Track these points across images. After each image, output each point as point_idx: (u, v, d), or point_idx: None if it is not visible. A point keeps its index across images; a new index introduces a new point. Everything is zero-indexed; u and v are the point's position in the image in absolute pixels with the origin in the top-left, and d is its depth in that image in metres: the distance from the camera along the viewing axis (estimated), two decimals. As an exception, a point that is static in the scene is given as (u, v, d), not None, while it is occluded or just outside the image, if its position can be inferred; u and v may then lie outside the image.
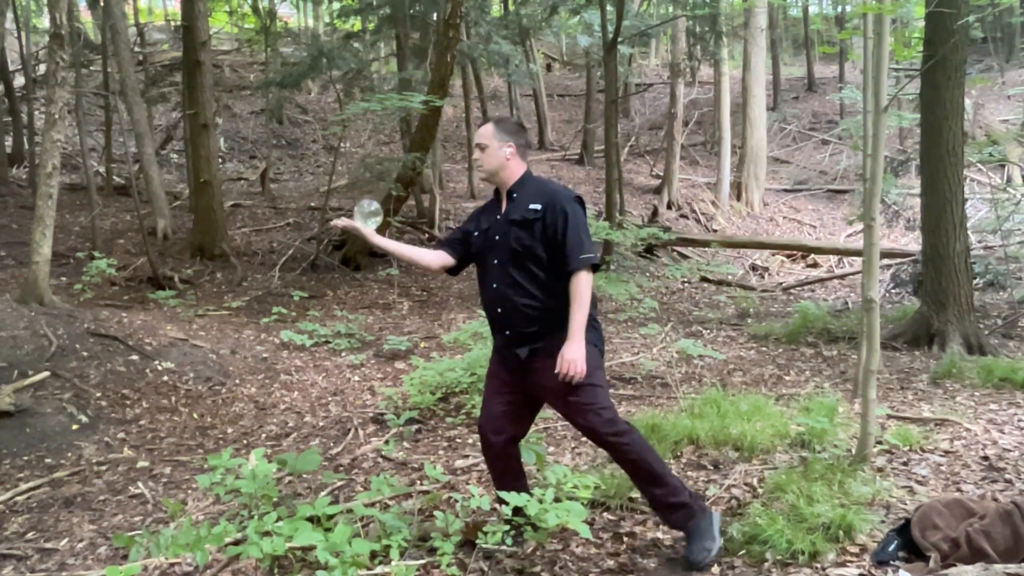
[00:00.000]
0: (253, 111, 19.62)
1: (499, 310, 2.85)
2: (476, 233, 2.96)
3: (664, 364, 6.22)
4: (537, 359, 2.81)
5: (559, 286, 2.78)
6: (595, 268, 2.78)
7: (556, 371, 2.71)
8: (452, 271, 3.07)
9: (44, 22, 20.80)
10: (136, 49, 16.58)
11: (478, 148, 2.91)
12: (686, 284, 11.14)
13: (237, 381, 6.25)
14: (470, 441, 4.54)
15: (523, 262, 2.80)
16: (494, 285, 2.86)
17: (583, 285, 2.73)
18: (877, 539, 2.85)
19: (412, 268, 11.21)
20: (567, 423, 4.59)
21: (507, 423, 2.95)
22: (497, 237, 2.86)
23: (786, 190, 17.31)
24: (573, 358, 2.69)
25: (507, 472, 3.00)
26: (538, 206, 2.79)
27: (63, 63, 6.75)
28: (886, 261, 10.10)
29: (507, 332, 2.87)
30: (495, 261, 2.86)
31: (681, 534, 3.00)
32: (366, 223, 2.97)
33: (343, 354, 7.15)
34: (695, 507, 2.85)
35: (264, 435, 5.16)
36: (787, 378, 5.77)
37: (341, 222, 2.95)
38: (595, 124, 16.43)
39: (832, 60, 24.76)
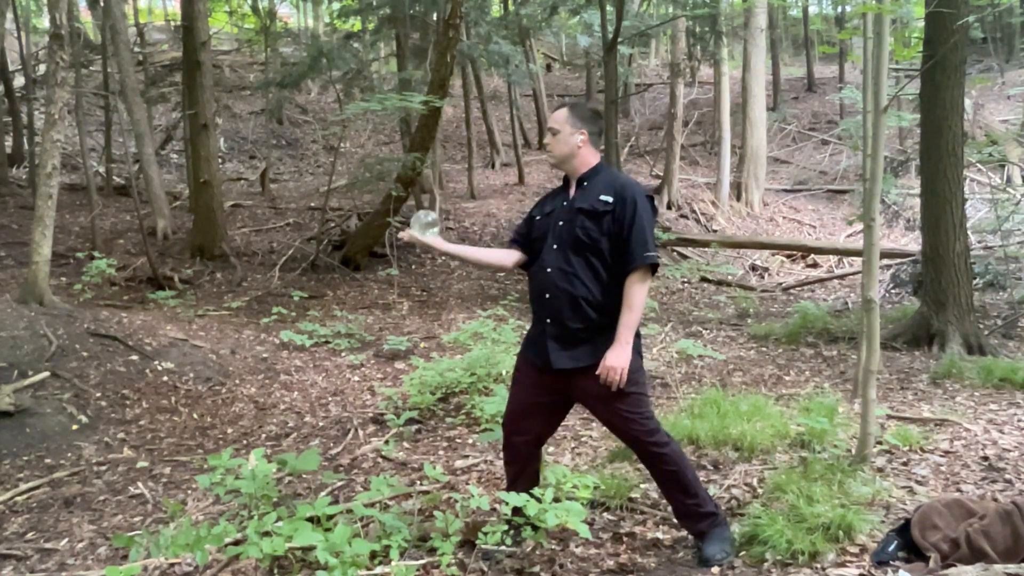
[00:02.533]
0: (253, 111, 19.62)
1: (547, 296, 2.75)
2: (539, 217, 2.89)
3: (664, 364, 6.22)
4: (576, 368, 2.73)
5: (614, 286, 2.70)
6: (654, 270, 2.72)
7: (598, 374, 2.66)
8: (526, 266, 2.93)
9: (44, 22, 20.81)
10: (136, 49, 16.58)
11: (549, 132, 2.83)
12: (686, 284, 11.14)
13: (237, 381, 6.25)
14: (470, 441, 4.54)
15: (584, 252, 2.71)
16: (547, 269, 2.76)
17: (639, 286, 2.66)
18: (877, 539, 2.85)
19: (414, 270, 11.22)
20: (569, 425, 4.60)
21: (533, 424, 2.91)
22: (560, 222, 2.78)
23: (786, 190, 17.31)
24: (617, 365, 2.63)
25: (523, 475, 2.94)
26: (609, 198, 2.71)
27: (63, 63, 6.75)
28: (886, 261, 10.10)
29: (548, 321, 2.75)
30: (554, 245, 2.77)
31: (683, 534, 3.00)
32: (425, 234, 2.86)
33: (343, 354, 7.15)
34: (720, 515, 2.90)
35: (264, 435, 5.16)
36: (787, 378, 5.77)
37: (406, 235, 2.84)
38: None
39: (832, 60, 24.76)
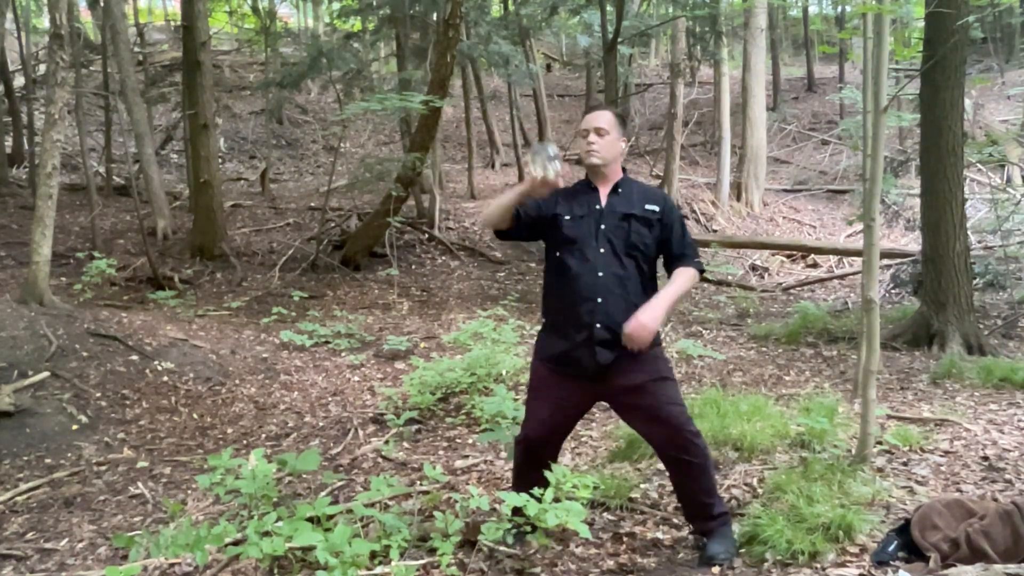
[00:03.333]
0: (253, 111, 19.62)
1: (599, 300, 2.72)
2: (567, 217, 2.81)
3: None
4: (618, 359, 2.74)
5: (650, 286, 2.82)
6: (702, 274, 2.88)
7: (627, 332, 2.66)
8: (503, 233, 2.86)
9: (44, 22, 20.81)
10: (136, 49, 16.57)
11: (596, 132, 2.79)
12: (686, 284, 11.12)
13: (237, 381, 6.25)
14: (470, 441, 4.54)
15: (635, 256, 2.78)
16: (599, 273, 2.73)
17: (686, 277, 2.81)
18: (877, 539, 2.85)
19: (414, 271, 11.22)
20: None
21: (563, 435, 2.97)
22: (605, 226, 2.77)
23: (786, 190, 17.31)
24: (647, 322, 2.65)
25: (534, 481, 2.87)
26: (655, 207, 2.81)
27: (63, 63, 6.75)
28: (886, 261, 10.10)
29: (598, 325, 2.72)
30: (601, 249, 2.75)
31: (683, 534, 3.00)
32: (548, 171, 2.61)
33: (343, 354, 7.15)
34: (729, 515, 2.94)
35: (264, 435, 5.16)
36: (787, 378, 5.77)
37: (537, 173, 2.61)
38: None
39: (832, 60, 24.75)
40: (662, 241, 2.83)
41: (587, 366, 2.74)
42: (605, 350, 2.72)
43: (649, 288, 2.82)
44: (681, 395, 2.88)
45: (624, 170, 2.91)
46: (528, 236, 2.91)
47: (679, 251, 2.84)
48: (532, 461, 2.94)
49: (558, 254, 2.82)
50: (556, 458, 3.02)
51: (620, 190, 2.84)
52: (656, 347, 2.81)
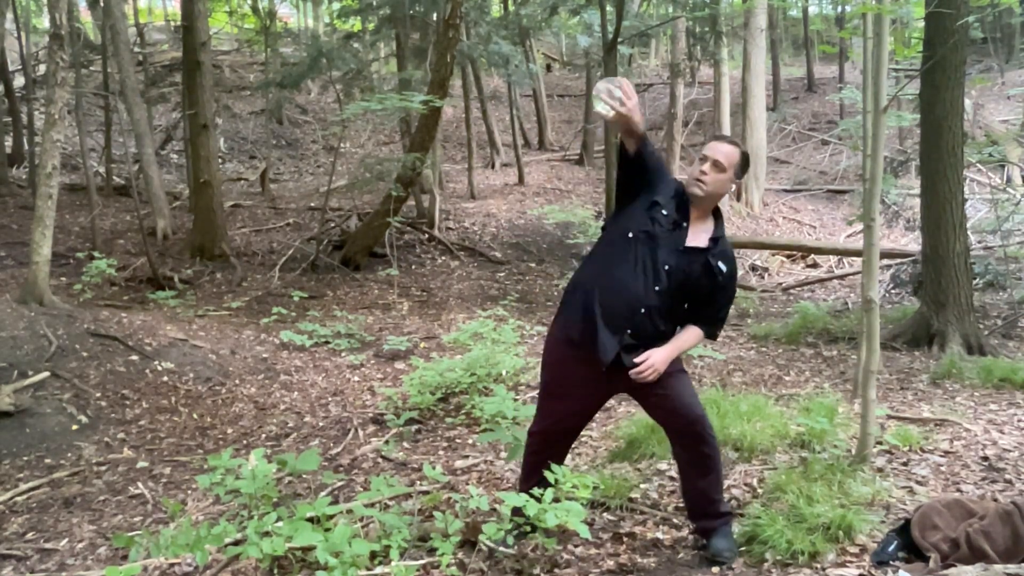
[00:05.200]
0: (253, 111, 19.61)
1: (643, 311, 2.64)
2: (665, 212, 2.67)
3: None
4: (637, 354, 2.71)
5: (680, 322, 2.78)
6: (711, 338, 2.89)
7: (637, 360, 2.64)
8: (625, 155, 2.69)
9: (44, 22, 20.81)
10: (136, 49, 16.57)
11: (713, 165, 2.67)
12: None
13: (237, 381, 6.25)
14: (470, 441, 4.54)
15: (682, 294, 2.69)
16: (656, 288, 2.64)
17: (700, 336, 2.82)
18: (877, 539, 2.85)
19: (414, 271, 11.22)
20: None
21: (576, 424, 2.95)
22: (674, 243, 2.67)
23: (786, 190, 17.30)
24: (659, 360, 2.66)
25: (541, 475, 2.88)
26: (725, 268, 2.72)
27: (63, 63, 6.75)
28: (886, 261, 10.10)
29: (629, 331, 2.66)
30: (666, 267, 2.65)
31: (683, 534, 3.00)
32: (606, 107, 2.47)
33: (343, 354, 7.15)
34: (731, 516, 2.96)
35: (264, 435, 5.16)
36: (787, 378, 5.76)
37: (600, 111, 2.46)
38: (595, 124, 16.43)
39: (832, 60, 24.75)
40: (707, 294, 2.73)
41: (607, 357, 2.66)
42: (627, 355, 2.69)
43: (677, 319, 2.77)
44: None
45: (717, 209, 2.79)
46: (639, 173, 2.72)
47: (716, 317, 2.81)
48: (546, 454, 2.91)
49: (631, 236, 2.67)
50: (567, 452, 3.02)
51: (716, 240, 2.72)
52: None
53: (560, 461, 2.95)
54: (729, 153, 2.69)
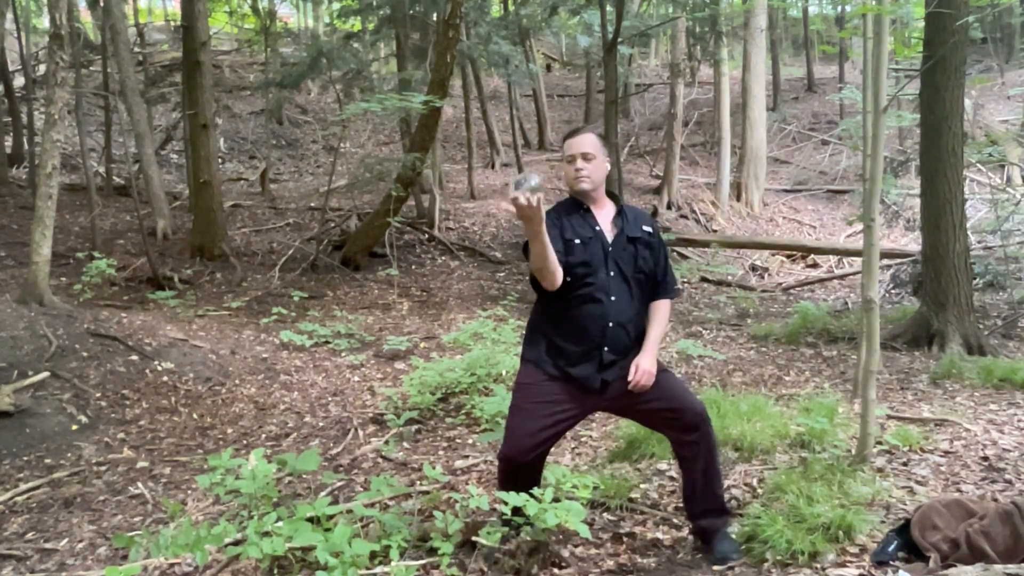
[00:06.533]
0: (253, 111, 19.62)
1: (611, 324, 2.72)
2: (577, 241, 2.74)
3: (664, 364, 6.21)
4: (621, 370, 2.75)
5: (645, 306, 2.86)
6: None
7: (628, 379, 2.70)
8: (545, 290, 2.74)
9: (44, 22, 20.81)
10: (136, 49, 16.59)
11: (583, 158, 2.75)
12: (686, 284, 11.14)
13: (237, 381, 6.25)
14: (470, 441, 4.54)
15: (639, 280, 2.81)
16: (612, 297, 2.73)
17: (668, 308, 2.89)
18: (877, 539, 2.85)
19: (414, 271, 11.22)
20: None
21: (543, 447, 2.81)
22: (613, 248, 2.76)
23: (786, 190, 17.31)
24: (648, 369, 2.71)
25: (526, 484, 2.84)
26: (650, 230, 2.84)
27: (63, 63, 6.75)
28: (886, 261, 10.10)
29: (606, 349, 2.72)
30: (611, 273, 2.74)
31: (683, 534, 3.00)
32: (531, 200, 2.42)
33: (343, 354, 7.15)
34: (729, 516, 2.96)
35: (264, 435, 5.16)
36: (787, 378, 5.77)
37: (520, 198, 2.37)
38: (595, 124, 16.44)
39: (832, 60, 24.76)
40: (653, 264, 2.86)
41: (594, 385, 2.75)
42: (611, 369, 2.75)
43: (644, 306, 2.85)
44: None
45: (613, 195, 2.90)
46: (568, 274, 2.77)
47: (662, 276, 2.87)
48: (510, 471, 2.78)
49: (569, 279, 2.71)
50: (538, 480, 2.86)
51: (623, 213, 2.84)
52: None
53: (535, 486, 2.84)
54: (590, 141, 2.78)
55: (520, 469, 2.79)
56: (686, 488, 2.93)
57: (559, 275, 2.65)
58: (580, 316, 2.73)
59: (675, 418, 2.80)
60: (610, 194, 2.89)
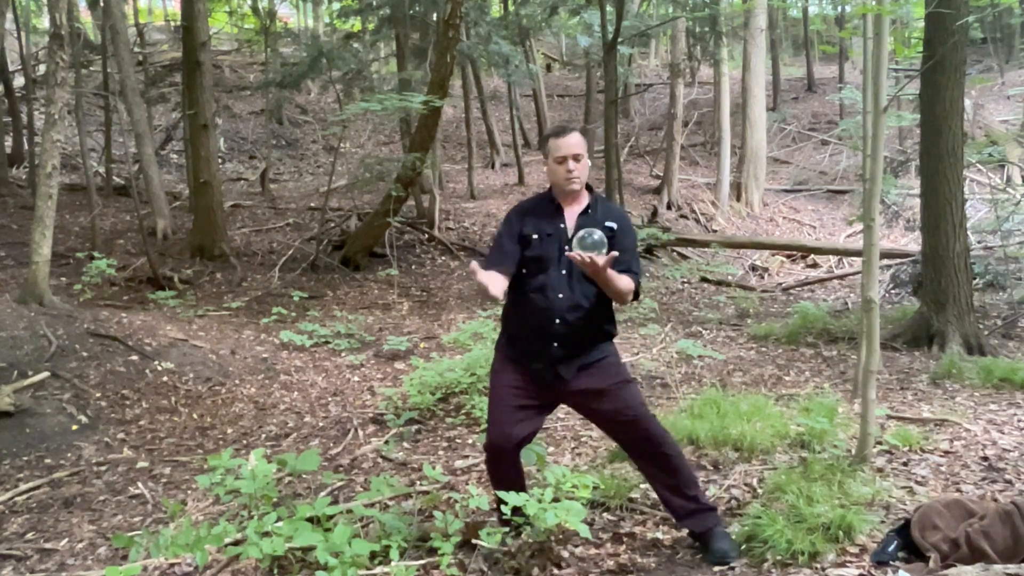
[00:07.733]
0: (253, 111, 19.62)
1: (558, 321, 2.74)
2: (536, 236, 2.78)
3: (664, 364, 6.22)
4: (578, 370, 2.80)
5: (607, 303, 2.84)
6: (636, 296, 2.83)
7: (576, 257, 2.57)
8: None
9: (44, 22, 20.81)
10: (136, 49, 16.57)
11: (573, 159, 2.77)
12: (686, 284, 11.14)
13: (237, 381, 6.25)
14: (470, 441, 4.54)
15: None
16: (559, 295, 2.75)
17: (628, 281, 2.73)
18: (877, 539, 2.85)
19: (414, 271, 11.22)
20: (569, 425, 4.60)
21: (522, 432, 2.89)
22: (567, 247, 2.73)
23: (786, 190, 17.31)
24: (600, 264, 2.55)
25: (512, 480, 2.92)
26: (614, 225, 2.79)
27: (63, 63, 6.75)
28: (886, 261, 10.10)
29: (556, 344, 2.76)
30: (563, 271, 2.76)
31: (683, 534, 3.00)
32: (595, 254, 2.54)
33: (343, 354, 7.15)
34: (718, 514, 2.95)
35: (264, 435, 5.16)
36: (787, 378, 5.77)
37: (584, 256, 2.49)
38: (595, 124, 16.43)
39: (832, 60, 24.76)
40: (622, 250, 2.74)
41: (546, 377, 2.81)
42: (563, 366, 2.79)
43: (603, 303, 2.81)
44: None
45: (588, 187, 2.89)
46: (524, 268, 2.84)
47: (625, 267, 2.74)
48: (497, 458, 2.91)
49: (524, 271, 2.79)
50: (522, 480, 2.96)
51: (590, 211, 2.83)
52: (612, 356, 2.87)
53: (520, 475, 2.95)
54: (579, 142, 2.80)
55: (504, 456, 2.89)
56: (660, 498, 2.97)
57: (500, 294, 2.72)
58: (529, 310, 2.80)
59: (630, 428, 2.85)
60: (587, 186, 2.90)
